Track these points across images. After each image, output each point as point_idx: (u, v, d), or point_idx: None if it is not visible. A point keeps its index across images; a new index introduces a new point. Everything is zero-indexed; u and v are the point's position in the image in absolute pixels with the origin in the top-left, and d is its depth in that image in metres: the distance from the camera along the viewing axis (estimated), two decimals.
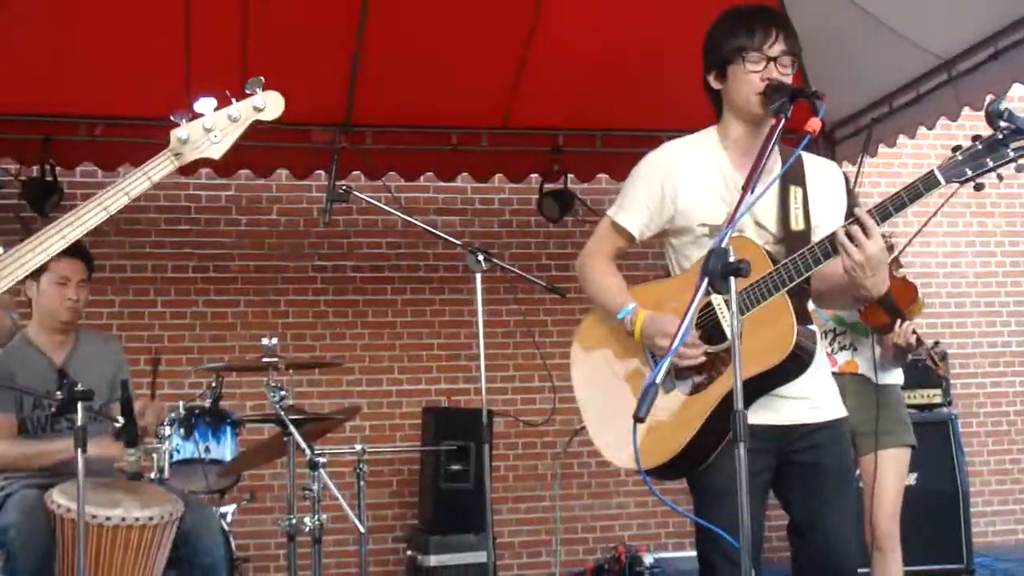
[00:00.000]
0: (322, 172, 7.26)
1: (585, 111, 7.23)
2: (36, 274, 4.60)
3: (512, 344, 8.20)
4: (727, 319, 3.07)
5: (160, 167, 2.75)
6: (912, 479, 6.76)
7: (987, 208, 9.43)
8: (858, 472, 5.12)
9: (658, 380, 2.52)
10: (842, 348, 5.01)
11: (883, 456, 4.87)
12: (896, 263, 5.23)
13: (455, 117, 7.31)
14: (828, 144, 7.66)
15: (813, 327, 3.16)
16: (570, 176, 7.75)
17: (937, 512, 6.74)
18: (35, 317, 4.72)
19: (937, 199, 5.36)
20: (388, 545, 7.95)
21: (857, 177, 7.37)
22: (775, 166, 3.10)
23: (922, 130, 6.83)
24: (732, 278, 2.60)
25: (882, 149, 7.39)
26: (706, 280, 2.61)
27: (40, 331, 4.71)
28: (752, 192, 2.81)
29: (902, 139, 7.11)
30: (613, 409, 3.33)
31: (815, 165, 3.30)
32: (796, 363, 3.05)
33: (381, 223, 8.21)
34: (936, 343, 5.46)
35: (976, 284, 9.41)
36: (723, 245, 2.64)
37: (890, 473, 4.92)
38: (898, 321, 4.91)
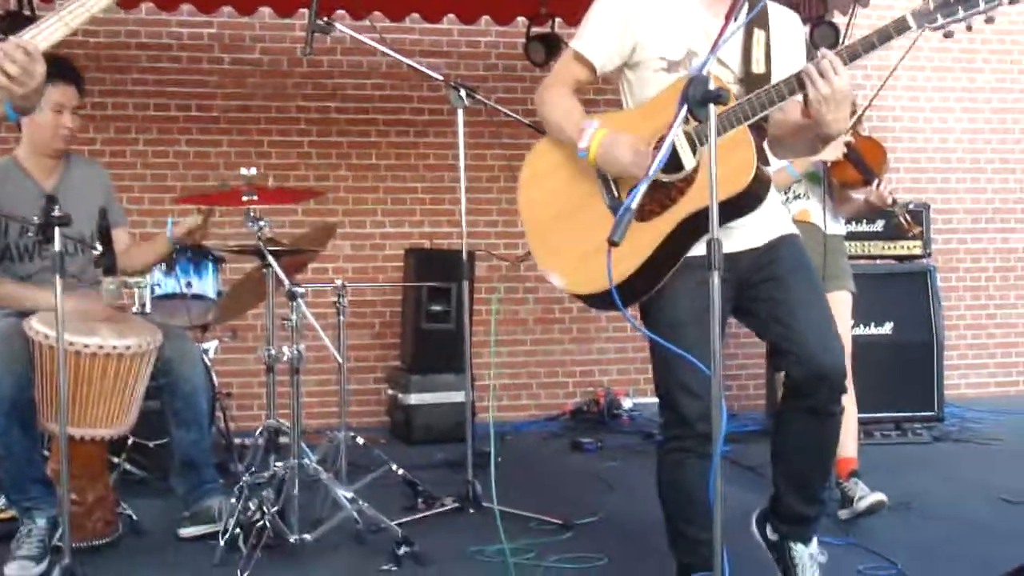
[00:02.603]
0: (306, 11, 7.10)
1: None
2: None
3: (496, 188, 8.20)
4: (684, 149, 3.08)
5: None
6: (887, 328, 6.87)
7: (977, 64, 9.35)
8: None
9: (633, 205, 2.51)
10: (796, 197, 5.08)
11: (831, 299, 4.91)
12: (859, 122, 5.26)
13: None
14: None
15: (768, 166, 3.17)
16: (557, 20, 7.66)
17: (911, 361, 6.82)
18: (25, 143, 4.64)
19: (900, 52, 5.36)
20: (370, 386, 8.06)
21: (848, 28, 7.30)
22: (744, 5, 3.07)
23: None
24: (711, 105, 2.58)
25: (874, 0, 7.29)
26: (685, 107, 2.59)
27: (30, 156, 4.64)
28: (735, 20, 2.78)
29: None
30: (560, 234, 3.33)
31: (778, 13, 3.29)
32: (754, 195, 3.07)
33: (366, 64, 8.13)
34: (909, 203, 5.49)
35: (963, 140, 9.38)
36: (703, 72, 2.61)
37: (840, 313, 4.97)
38: (875, 181, 5.00)
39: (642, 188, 2.54)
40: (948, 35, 2.86)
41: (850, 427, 4.99)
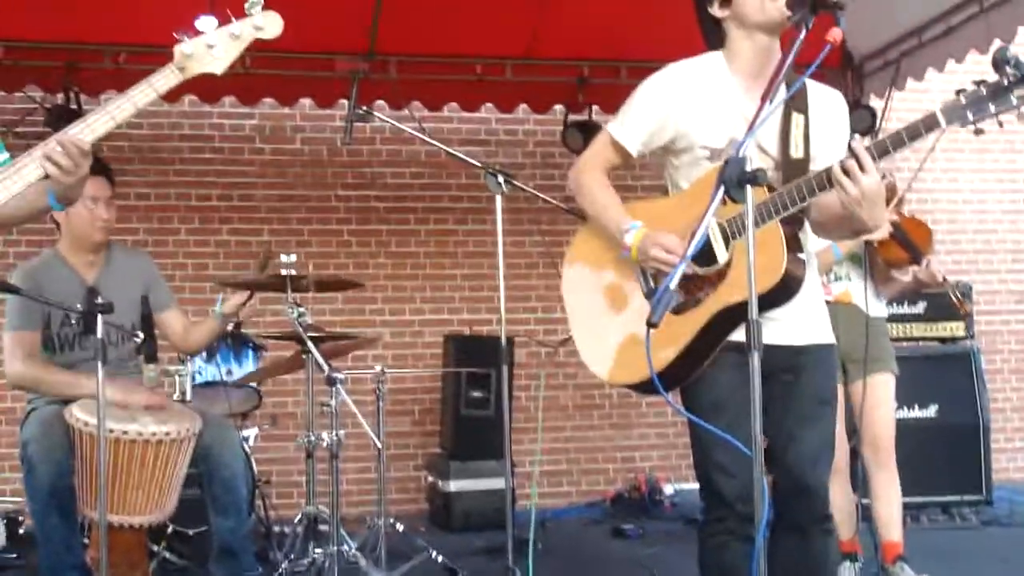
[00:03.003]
0: (346, 101, 7.22)
1: (611, 42, 7.15)
2: None
3: (535, 275, 8.21)
4: (719, 242, 3.09)
5: (164, 79, 2.82)
6: (932, 411, 6.79)
7: (1016, 146, 9.34)
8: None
9: (672, 286, 2.51)
10: (837, 278, 5.05)
11: (874, 381, 4.97)
12: (901, 202, 5.24)
13: (479, 47, 7.26)
14: (856, 77, 7.61)
15: (803, 255, 3.14)
16: (595, 107, 7.71)
17: (957, 444, 6.74)
18: (65, 237, 4.71)
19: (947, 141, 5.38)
20: (409, 473, 8.03)
21: (885, 111, 7.32)
22: (782, 89, 3.07)
23: (951, 64, 6.74)
24: (748, 186, 2.59)
25: (911, 83, 7.30)
26: (722, 188, 2.59)
27: (71, 250, 4.71)
28: (771, 102, 2.78)
29: (931, 73, 7.02)
30: (599, 321, 3.36)
31: (818, 93, 3.26)
32: (784, 291, 3.05)
33: (404, 153, 8.21)
34: (958, 282, 5.48)
35: (1003, 221, 9.34)
36: (740, 154, 2.62)
37: (883, 396, 5.02)
38: (923, 260, 4.99)
39: (680, 269, 2.55)
40: (979, 132, 2.82)
41: (895, 510, 4.98)
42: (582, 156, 3.49)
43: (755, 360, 2.61)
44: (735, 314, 2.89)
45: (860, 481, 5.24)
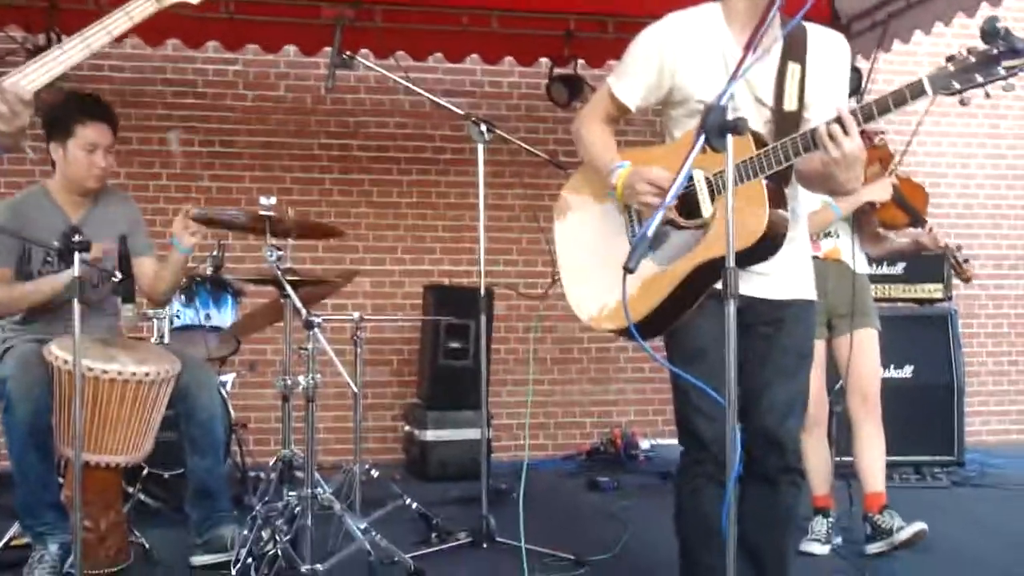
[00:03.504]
0: (330, 49, 7.18)
1: None
2: (62, 137, 4.59)
3: (516, 228, 8.21)
4: (704, 195, 3.11)
5: (141, 7, 2.76)
6: (908, 371, 6.84)
7: (1000, 111, 9.34)
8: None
9: (649, 233, 2.52)
10: (827, 235, 5.07)
11: (860, 335, 5.03)
12: (891, 166, 5.25)
13: None
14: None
15: (786, 211, 3.14)
16: (580, 61, 7.68)
17: (931, 405, 6.80)
18: (58, 176, 4.67)
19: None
20: (387, 423, 8.06)
21: (870, 73, 7.30)
22: (778, 40, 3.06)
23: (939, 27, 6.73)
24: (728, 135, 2.59)
25: (897, 45, 7.29)
26: (702, 137, 2.59)
27: (61, 190, 4.67)
28: (754, 53, 2.78)
29: (918, 35, 7.01)
30: (588, 265, 3.41)
31: (819, 38, 3.23)
32: (766, 247, 3.07)
33: (388, 103, 8.18)
34: (959, 246, 5.49)
35: (984, 186, 9.37)
36: (722, 102, 2.61)
37: (869, 349, 5.08)
38: (926, 223, 5.13)
39: (658, 216, 2.56)
40: (964, 103, 2.82)
41: (880, 462, 5.04)
42: (583, 108, 3.52)
43: (731, 308, 2.62)
44: (717, 267, 2.89)
45: (835, 437, 5.29)
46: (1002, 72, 2.69)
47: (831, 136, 2.85)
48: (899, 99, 2.81)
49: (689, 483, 3.28)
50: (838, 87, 3.22)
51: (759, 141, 3.04)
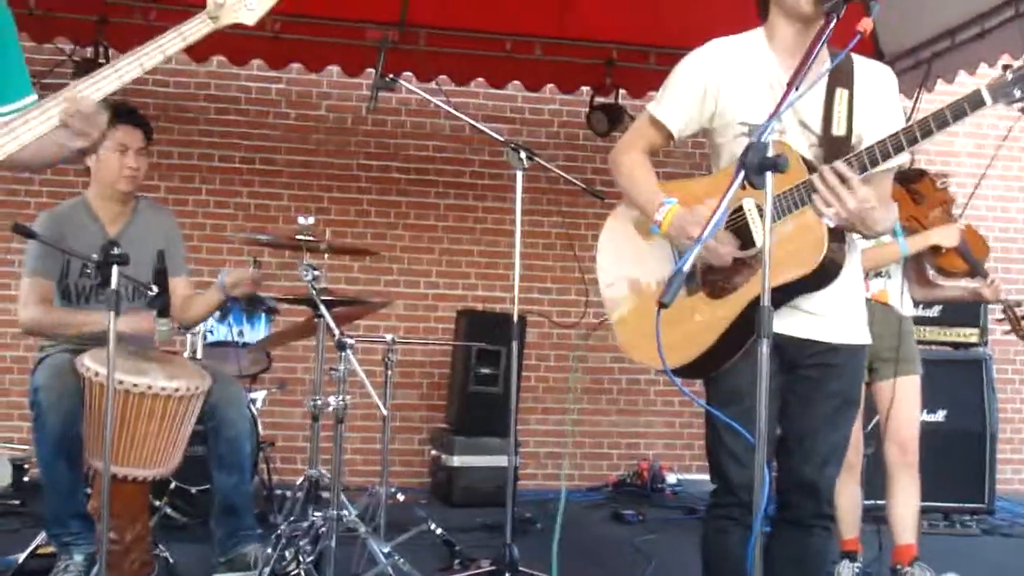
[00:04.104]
0: (373, 70, 7.22)
1: (641, 26, 7.13)
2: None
3: (551, 256, 8.21)
4: (757, 224, 3.04)
5: (195, 28, 2.75)
6: (940, 416, 6.76)
7: None
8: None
9: (685, 268, 2.50)
10: (877, 275, 4.98)
11: (903, 382, 4.90)
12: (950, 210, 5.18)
13: (510, 23, 7.24)
14: None
15: (844, 243, 3.08)
16: (622, 91, 7.69)
17: (962, 450, 6.72)
18: (94, 183, 4.72)
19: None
20: (414, 447, 8.05)
21: (913, 112, 7.25)
22: (824, 66, 3.02)
23: (983, 67, 6.69)
24: (768, 173, 2.57)
25: (940, 85, 7.25)
26: (742, 174, 2.58)
27: (97, 198, 4.71)
28: (796, 90, 2.76)
29: (962, 76, 6.97)
30: (636, 304, 3.34)
31: (865, 68, 3.19)
32: (823, 276, 3.01)
33: (429, 126, 8.22)
34: (1020, 302, 5.40)
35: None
36: (762, 140, 2.60)
37: (912, 397, 4.96)
38: (988, 276, 5.04)
39: (694, 251, 2.53)
40: None
41: (914, 512, 4.92)
42: (622, 138, 3.46)
43: (764, 348, 2.59)
44: (772, 298, 2.76)
45: (864, 480, 5.22)
46: None
47: (825, 198, 2.82)
48: (957, 111, 2.75)
49: (715, 522, 3.25)
50: (891, 114, 3.16)
51: (810, 167, 2.99)
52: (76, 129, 2.65)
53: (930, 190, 5.05)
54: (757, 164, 2.56)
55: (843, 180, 2.82)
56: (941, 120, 2.78)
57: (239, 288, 4.68)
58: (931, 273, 5.22)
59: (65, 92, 2.66)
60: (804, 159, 3.02)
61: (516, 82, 7.81)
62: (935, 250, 4.96)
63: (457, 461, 7.09)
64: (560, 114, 8.48)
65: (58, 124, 2.64)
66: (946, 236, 4.88)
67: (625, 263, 3.42)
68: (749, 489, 2.73)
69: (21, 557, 4.62)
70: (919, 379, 5.01)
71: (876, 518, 5.19)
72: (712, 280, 3.15)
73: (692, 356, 3.13)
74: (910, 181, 5.02)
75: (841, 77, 3.10)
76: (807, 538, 3.27)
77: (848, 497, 4.92)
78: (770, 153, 2.58)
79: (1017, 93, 2.67)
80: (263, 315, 6.05)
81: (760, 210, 3.03)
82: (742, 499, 3.05)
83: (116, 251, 3.66)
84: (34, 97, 2.80)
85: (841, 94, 3.10)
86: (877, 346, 4.81)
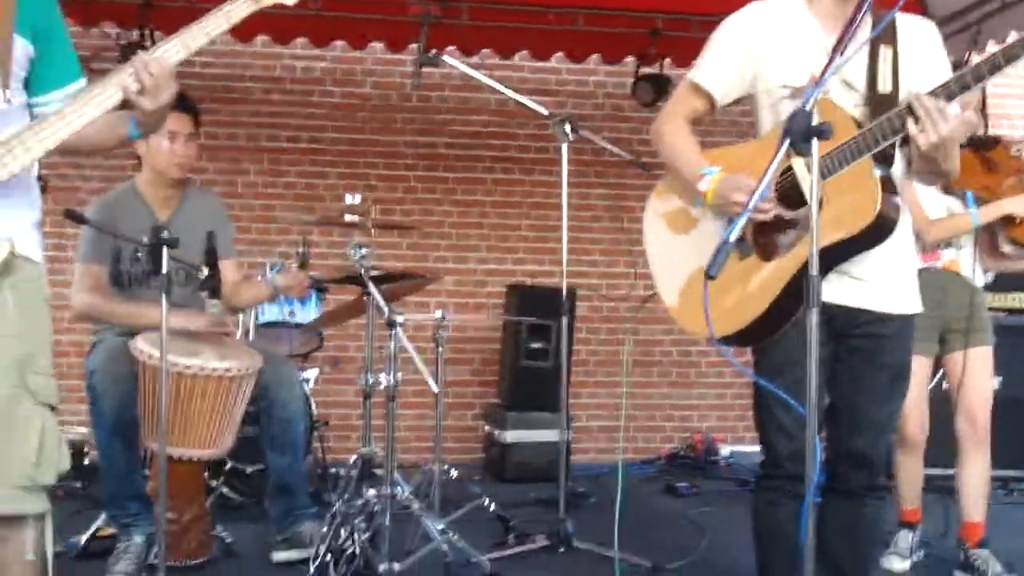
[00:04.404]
0: (416, 46, 7.22)
1: None
2: None
3: (598, 228, 8.16)
4: (806, 182, 2.96)
5: (238, 8, 2.75)
6: (995, 383, 6.65)
7: None
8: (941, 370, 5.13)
9: (732, 239, 2.48)
10: (948, 245, 4.87)
11: (974, 353, 4.79)
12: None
13: None
14: None
15: (898, 199, 3.02)
16: (667, 60, 7.63)
17: (1019, 417, 6.62)
18: (145, 170, 4.76)
19: None
20: (467, 423, 8.06)
21: None
22: (866, 29, 2.97)
23: None
24: (814, 140, 2.54)
25: (991, 47, 7.12)
26: (787, 142, 2.55)
27: (148, 185, 4.75)
28: (842, 54, 2.72)
29: (1013, 36, 6.85)
30: (685, 274, 3.29)
31: (908, 24, 3.13)
32: (879, 232, 2.94)
33: (474, 101, 8.19)
34: None
35: None
36: (807, 107, 2.57)
37: (983, 369, 4.86)
38: None
39: (740, 222, 2.52)
40: None
41: (981, 490, 4.82)
42: (664, 107, 3.42)
43: (813, 317, 2.57)
44: (826, 258, 2.75)
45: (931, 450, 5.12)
46: None
47: (927, 116, 2.73)
48: (993, 65, 2.67)
49: (765, 493, 3.24)
50: (938, 66, 3.10)
51: (858, 124, 2.94)
52: (148, 86, 2.63)
53: (1005, 158, 4.90)
54: (802, 132, 2.53)
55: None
56: (1012, 53, 2.67)
57: (292, 291, 4.76)
58: (1005, 248, 5.06)
59: (116, 71, 2.66)
60: (852, 118, 2.97)
61: (560, 54, 7.77)
62: (1008, 220, 4.80)
63: (510, 437, 7.09)
64: (605, 85, 8.43)
65: (116, 101, 2.65)
66: (1021, 206, 4.76)
67: (673, 233, 3.38)
68: (797, 461, 2.71)
69: (83, 539, 4.69)
70: (991, 350, 4.90)
71: (939, 488, 5.11)
72: (763, 243, 3.10)
73: (744, 323, 3.09)
74: (985, 148, 4.87)
75: (884, 35, 3.04)
76: (859, 508, 3.25)
77: (909, 470, 4.88)
78: (815, 120, 2.54)
79: None
80: (314, 294, 6.08)
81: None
82: (789, 471, 3.04)
83: (165, 234, 3.70)
84: (84, 82, 2.80)
85: (885, 52, 3.05)
86: (949, 316, 4.75)
